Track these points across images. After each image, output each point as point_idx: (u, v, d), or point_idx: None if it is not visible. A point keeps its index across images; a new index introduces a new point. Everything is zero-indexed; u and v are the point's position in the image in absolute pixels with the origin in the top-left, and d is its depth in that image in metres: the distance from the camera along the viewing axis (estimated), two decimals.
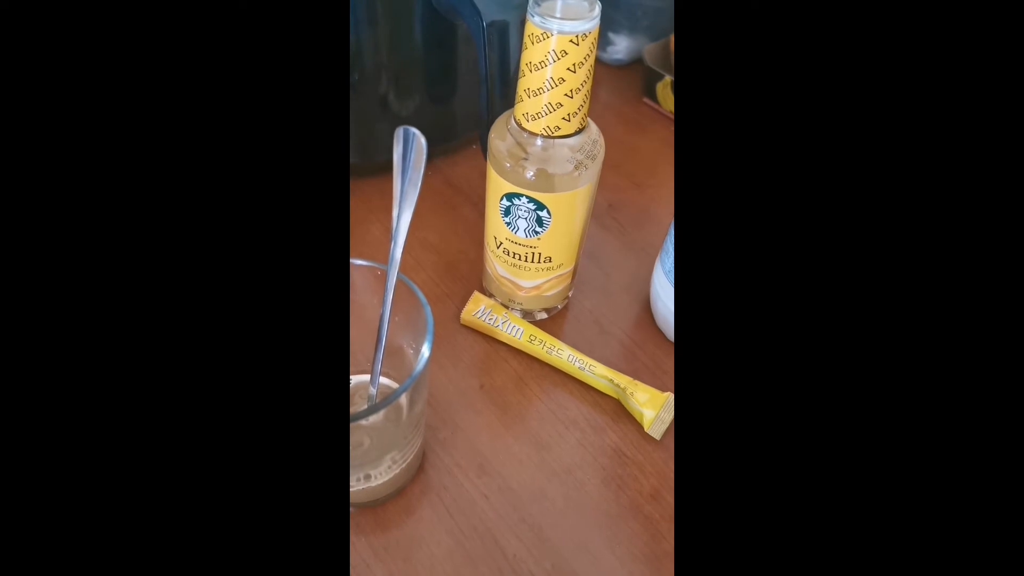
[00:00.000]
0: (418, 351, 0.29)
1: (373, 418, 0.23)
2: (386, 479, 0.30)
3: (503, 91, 0.40)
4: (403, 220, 0.24)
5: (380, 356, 0.28)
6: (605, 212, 0.48)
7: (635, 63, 0.63)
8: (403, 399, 0.26)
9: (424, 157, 0.23)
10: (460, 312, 0.40)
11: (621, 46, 0.62)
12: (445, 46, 0.44)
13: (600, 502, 0.33)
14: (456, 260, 0.44)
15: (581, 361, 0.37)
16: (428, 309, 0.25)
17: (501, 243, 0.35)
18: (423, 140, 0.23)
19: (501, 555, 0.31)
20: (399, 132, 0.23)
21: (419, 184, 0.24)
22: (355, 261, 0.27)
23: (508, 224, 0.34)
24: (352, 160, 0.47)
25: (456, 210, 0.48)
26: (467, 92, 0.48)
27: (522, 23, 0.38)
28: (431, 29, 0.42)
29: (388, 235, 0.46)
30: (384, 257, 0.28)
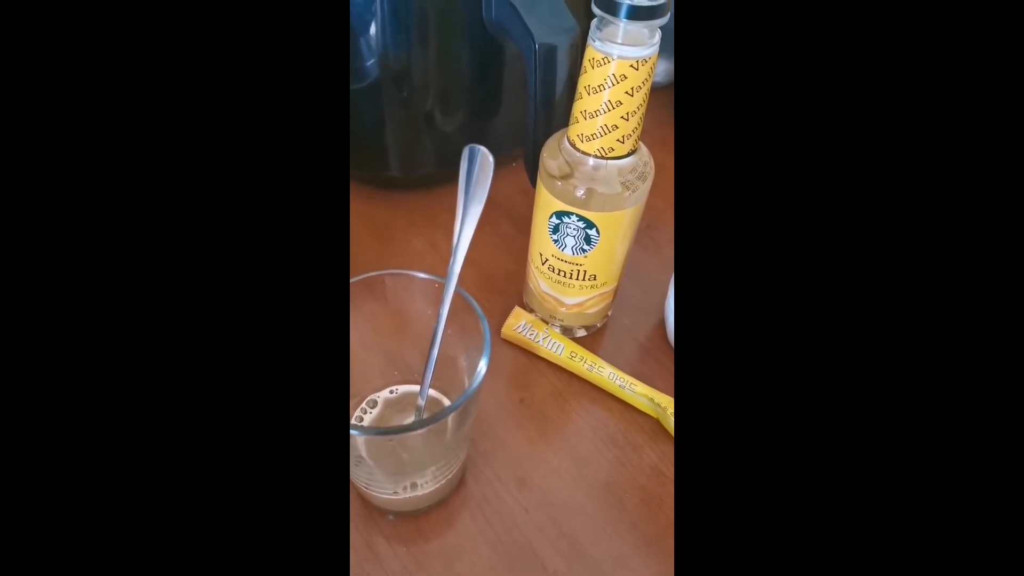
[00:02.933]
0: (470, 364, 0.29)
1: (421, 431, 0.23)
2: (431, 489, 0.30)
3: (548, 112, 0.41)
4: (464, 235, 0.25)
5: (431, 367, 0.28)
6: (644, 232, 0.49)
7: (672, 85, 0.64)
8: (452, 415, 0.27)
9: (491, 174, 0.24)
10: (500, 326, 0.40)
11: (659, 68, 0.63)
12: (491, 66, 0.45)
13: (639, 521, 0.33)
14: (495, 275, 0.45)
15: (622, 379, 0.37)
16: (486, 325, 0.26)
17: (547, 260, 0.36)
18: (491, 158, 0.24)
19: (541, 568, 0.31)
20: (467, 150, 0.24)
21: (483, 201, 0.24)
22: (412, 273, 0.28)
23: (556, 241, 0.34)
24: (396, 173, 0.49)
25: (496, 226, 0.48)
26: (509, 111, 0.49)
27: (571, 47, 0.39)
28: (479, 49, 0.44)
29: (429, 247, 0.47)
30: (424, 269, 0.28)
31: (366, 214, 0.48)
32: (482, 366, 0.25)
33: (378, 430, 0.23)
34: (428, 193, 0.50)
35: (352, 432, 0.23)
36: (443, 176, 0.52)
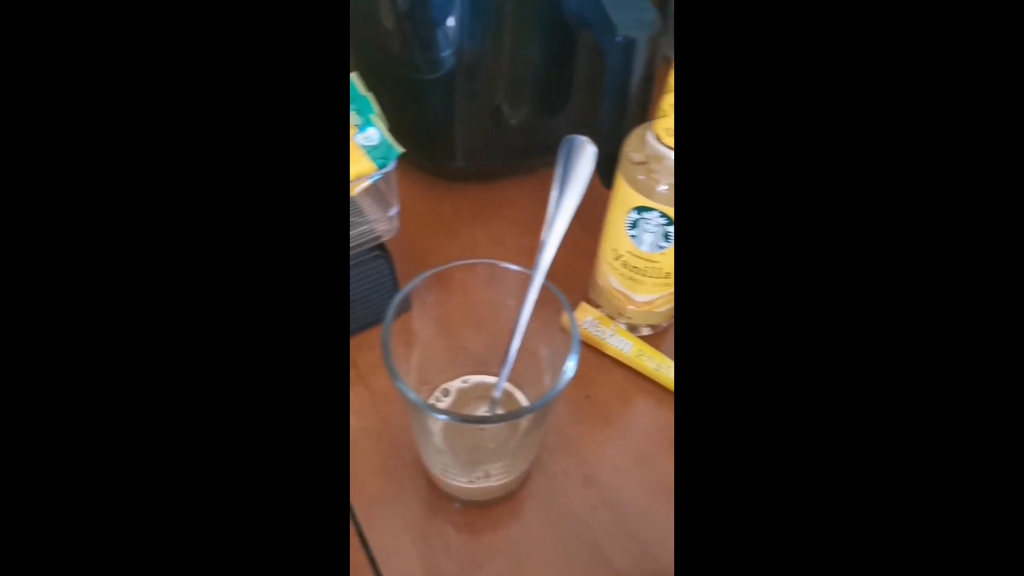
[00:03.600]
0: (550, 359, 0.29)
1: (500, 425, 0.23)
2: (502, 481, 0.30)
3: (622, 106, 0.40)
4: (557, 227, 0.25)
5: (511, 360, 0.28)
6: None
7: None
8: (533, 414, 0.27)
9: (591, 166, 0.24)
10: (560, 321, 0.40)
11: None
12: (562, 60, 0.45)
13: None
14: (558, 269, 0.44)
15: None
16: (575, 324, 0.26)
17: (621, 256, 0.36)
18: (592, 148, 0.24)
19: (608, 567, 0.31)
20: (565, 141, 0.24)
21: (581, 193, 0.24)
22: (500, 263, 0.28)
23: (633, 237, 0.34)
24: (461, 164, 0.49)
25: None
26: (575, 106, 0.48)
27: (649, 39, 0.38)
28: (551, 43, 0.43)
29: (493, 240, 0.47)
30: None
31: (431, 205, 0.49)
32: (569, 367, 0.25)
33: (463, 416, 0.23)
34: (492, 186, 0.50)
35: (438, 416, 0.23)
36: (508, 169, 0.52)
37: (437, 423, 0.30)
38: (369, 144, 0.31)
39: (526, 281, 0.28)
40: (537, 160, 0.53)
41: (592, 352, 0.39)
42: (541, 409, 0.25)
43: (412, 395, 0.23)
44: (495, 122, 0.47)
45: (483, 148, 0.48)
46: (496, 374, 0.31)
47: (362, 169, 0.31)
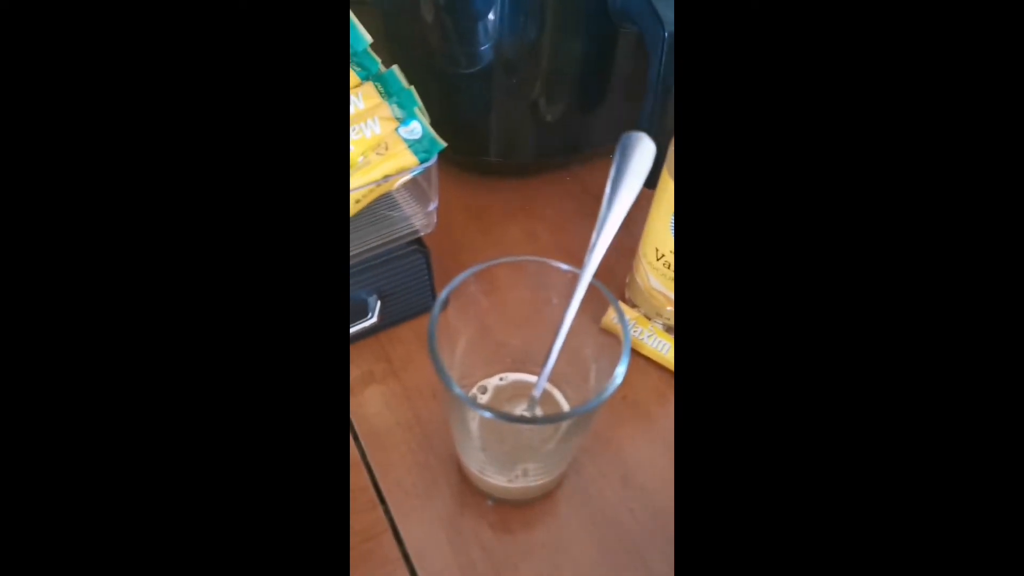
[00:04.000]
0: (596, 363, 0.28)
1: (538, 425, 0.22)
2: (540, 481, 0.30)
3: (665, 104, 0.39)
4: (610, 225, 0.24)
5: (553, 359, 0.28)
6: None
7: None
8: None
9: (649, 163, 0.23)
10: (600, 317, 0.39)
11: None
12: (603, 55, 0.44)
13: None
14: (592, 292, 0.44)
15: None
16: (627, 329, 0.25)
17: (663, 255, 0.35)
18: (651, 145, 0.23)
19: (646, 570, 0.30)
20: (624, 137, 0.23)
21: (636, 191, 0.24)
22: (547, 261, 0.28)
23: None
24: (495, 158, 0.48)
25: (594, 218, 0.47)
26: (613, 104, 0.48)
27: None
28: (593, 39, 0.43)
29: (527, 236, 0.46)
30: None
31: (463, 200, 0.48)
32: (619, 373, 0.24)
33: (508, 415, 0.23)
34: (526, 182, 0.50)
35: (483, 413, 0.23)
36: (541, 165, 0.51)
37: (476, 420, 0.29)
38: (412, 138, 0.30)
39: (570, 280, 0.27)
40: (573, 157, 0.52)
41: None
42: (585, 414, 0.24)
43: (457, 390, 0.23)
44: (532, 118, 0.46)
45: (518, 143, 0.48)
46: (535, 372, 0.30)
47: (404, 163, 0.30)
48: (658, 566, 0.30)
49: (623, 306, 0.40)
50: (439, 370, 0.24)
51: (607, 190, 0.24)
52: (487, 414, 0.23)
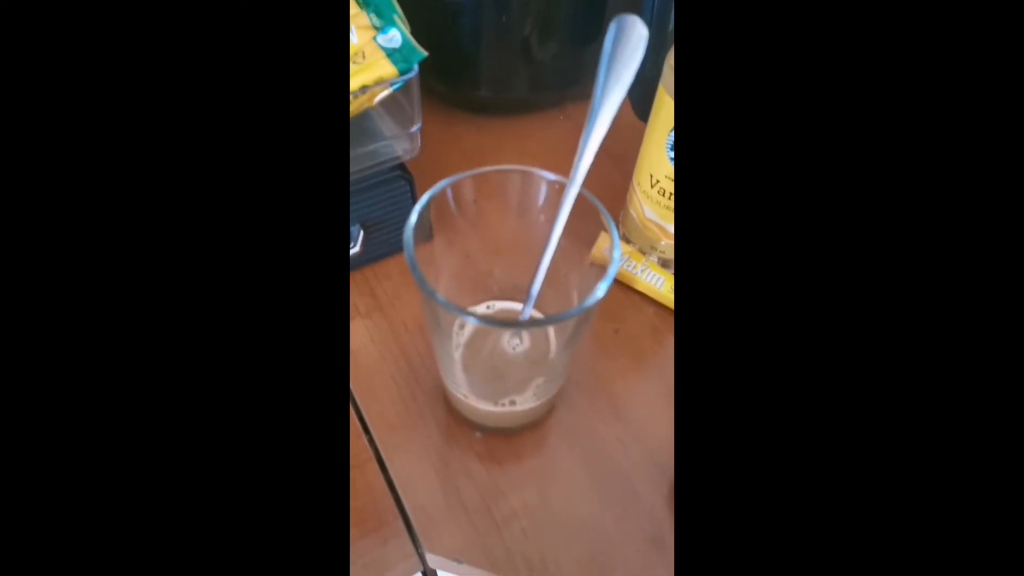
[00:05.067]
0: (580, 288, 0.27)
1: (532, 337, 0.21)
2: (529, 407, 0.29)
3: (660, 39, 0.37)
4: (600, 122, 0.23)
5: (542, 274, 0.26)
6: None
7: None
8: (571, 324, 0.25)
9: (641, 53, 0.21)
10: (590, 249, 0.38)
11: None
12: None
13: None
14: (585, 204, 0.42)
15: None
16: (613, 224, 0.24)
17: (658, 181, 0.33)
18: (644, 31, 0.21)
19: (638, 501, 0.29)
20: (615, 22, 0.21)
21: (628, 84, 0.22)
22: (533, 170, 0.26)
23: (673, 159, 0.32)
24: (486, 94, 0.46)
25: None
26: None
27: None
28: None
29: None
30: None
31: (455, 138, 0.46)
32: (611, 270, 0.23)
33: (497, 320, 0.22)
34: (518, 120, 0.48)
35: (471, 319, 0.21)
36: (534, 102, 0.49)
37: (463, 341, 0.28)
38: (391, 47, 0.29)
39: (558, 192, 0.26)
40: (565, 93, 0.50)
41: (622, 288, 0.37)
42: (577, 317, 0.23)
43: (441, 300, 0.22)
44: (523, 51, 0.44)
45: (509, 78, 0.46)
46: (522, 301, 0.29)
47: (382, 73, 0.28)
48: (648, 495, 0.29)
49: None
50: (416, 276, 0.23)
51: (597, 82, 0.22)
52: (472, 320, 0.21)
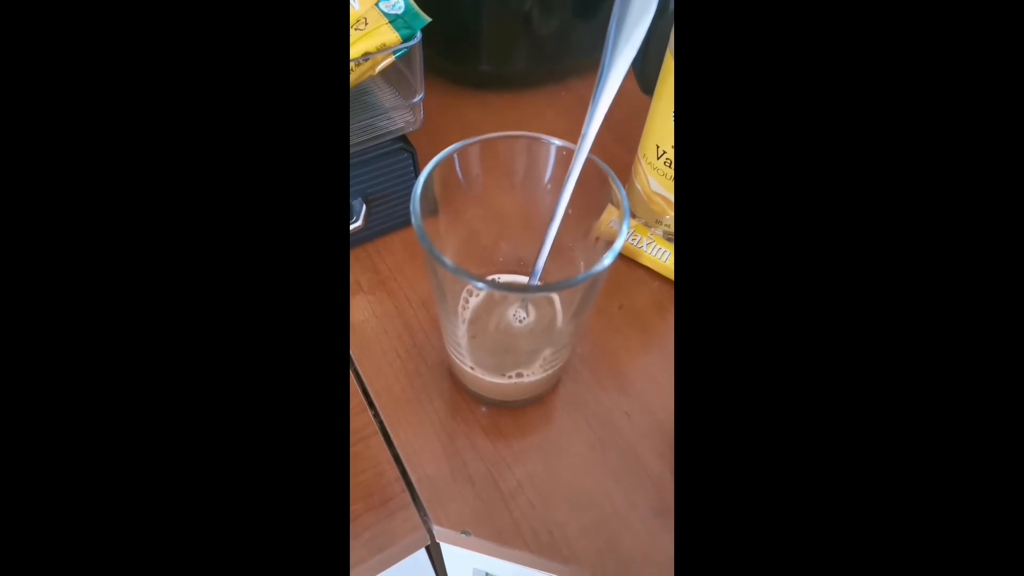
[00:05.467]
0: (586, 262, 0.27)
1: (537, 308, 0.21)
2: (536, 378, 0.28)
3: (664, 10, 0.37)
4: (608, 87, 0.22)
5: (549, 244, 0.26)
6: None
7: None
8: (578, 293, 0.25)
9: (652, 12, 0.21)
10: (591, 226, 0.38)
11: None
12: None
13: None
14: (590, 178, 0.42)
15: None
16: (622, 189, 0.23)
17: (664, 152, 0.33)
18: None
19: (644, 473, 0.29)
20: None
21: (637, 46, 0.21)
22: (542, 136, 0.26)
23: None
24: (487, 67, 0.46)
25: None
26: (610, 9, 0.45)
27: None
28: None
29: None
30: None
31: (456, 114, 0.46)
32: (619, 241, 0.23)
33: (505, 285, 0.22)
34: (520, 96, 0.47)
35: (479, 285, 0.21)
36: (535, 78, 0.48)
37: (468, 315, 0.28)
38: (393, 12, 0.28)
39: (567, 162, 0.25)
40: (568, 68, 0.49)
41: (627, 263, 0.37)
42: (584, 285, 0.23)
43: (451, 265, 0.21)
44: (524, 23, 0.44)
45: (510, 51, 0.45)
46: (526, 275, 0.29)
47: (385, 39, 0.28)
48: (654, 465, 0.29)
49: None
50: (424, 243, 0.22)
51: (606, 45, 0.22)
52: (480, 285, 0.21)
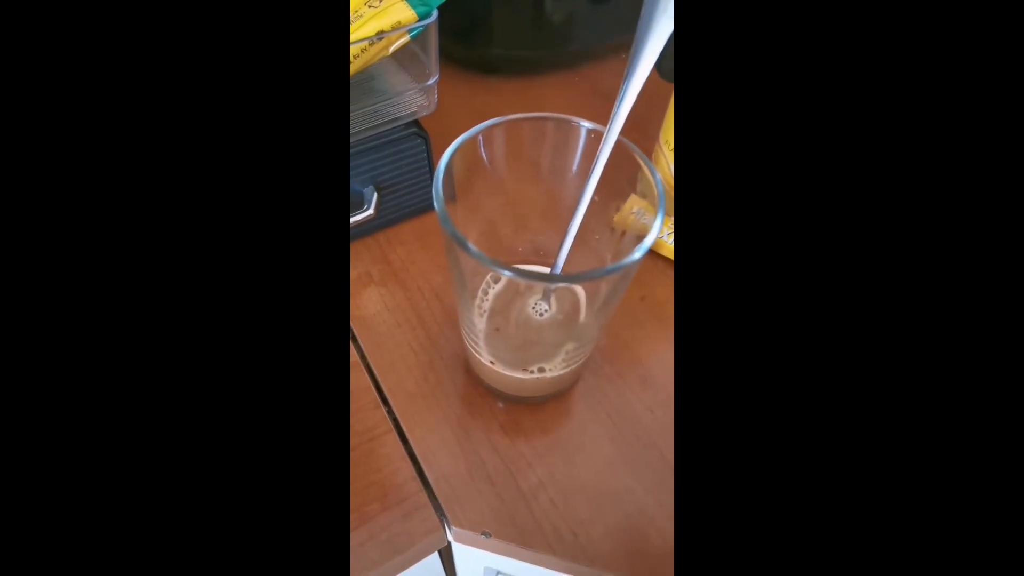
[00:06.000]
0: (608, 248, 0.26)
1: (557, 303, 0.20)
2: (558, 373, 0.27)
3: None
4: (638, 75, 0.21)
5: (574, 231, 0.25)
6: None
7: None
8: (605, 287, 0.24)
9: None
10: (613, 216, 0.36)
11: None
12: None
13: None
14: (613, 163, 0.41)
15: None
16: (657, 177, 0.22)
17: None
18: None
19: (669, 469, 0.28)
20: None
21: (666, 36, 0.20)
22: (570, 118, 0.24)
23: None
24: (497, 52, 0.44)
25: (606, 118, 0.44)
26: None
27: None
28: None
29: None
30: None
31: (469, 100, 0.44)
32: (654, 230, 0.21)
33: (532, 274, 0.20)
34: (532, 81, 0.46)
35: (505, 272, 0.20)
36: (548, 62, 0.47)
37: (488, 306, 0.27)
38: None
39: (594, 146, 0.24)
40: (581, 54, 0.48)
41: (648, 255, 0.36)
42: (613, 278, 0.22)
43: (475, 251, 0.20)
44: (535, 13, 0.42)
45: (522, 35, 0.44)
46: (548, 265, 0.27)
47: (400, 17, 0.26)
48: None
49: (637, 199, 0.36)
50: (447, 227, 0.21)
51: (640, 24, 0.20)
52: (506, 272, 0.20)
